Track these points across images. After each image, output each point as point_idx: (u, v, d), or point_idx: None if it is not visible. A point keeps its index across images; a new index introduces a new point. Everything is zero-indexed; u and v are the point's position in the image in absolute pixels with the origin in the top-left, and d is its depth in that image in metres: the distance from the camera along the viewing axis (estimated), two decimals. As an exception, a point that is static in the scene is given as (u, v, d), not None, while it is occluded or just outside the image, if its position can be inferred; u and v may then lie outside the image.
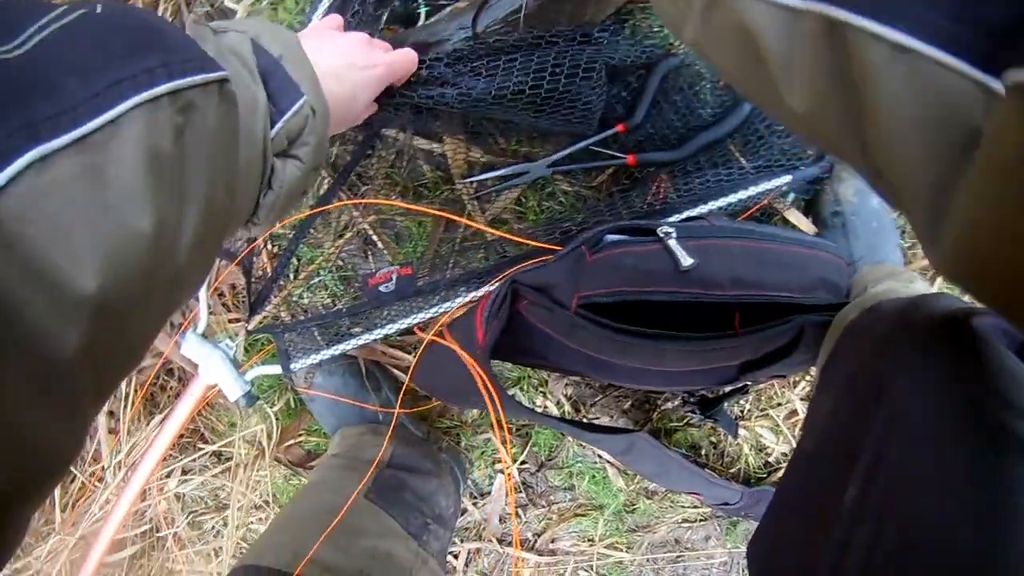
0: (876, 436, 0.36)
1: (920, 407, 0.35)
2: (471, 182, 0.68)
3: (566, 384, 0.81)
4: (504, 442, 0.80)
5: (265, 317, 0.74)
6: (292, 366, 0.66)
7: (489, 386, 0.56)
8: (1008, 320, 0.23)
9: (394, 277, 0.64)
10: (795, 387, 0.78)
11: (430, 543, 0.69)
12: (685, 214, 0.58)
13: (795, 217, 0.71)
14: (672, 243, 0.50)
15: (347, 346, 0.66)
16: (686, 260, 0.49)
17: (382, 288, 0.64)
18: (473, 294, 0.62)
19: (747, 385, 0.63)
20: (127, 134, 0.23)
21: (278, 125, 0.34)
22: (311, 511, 0.64)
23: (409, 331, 0.66)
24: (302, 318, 0.72)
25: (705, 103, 0.61)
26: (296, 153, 0.37)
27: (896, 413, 0.36)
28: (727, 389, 0.65)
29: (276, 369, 0.67)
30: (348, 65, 0.43)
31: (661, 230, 0.51)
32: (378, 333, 0.66)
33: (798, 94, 0.25)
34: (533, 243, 0.60)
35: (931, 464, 0.33)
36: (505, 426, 0.81)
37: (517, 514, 0.87)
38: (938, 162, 0.22)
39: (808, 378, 0.78)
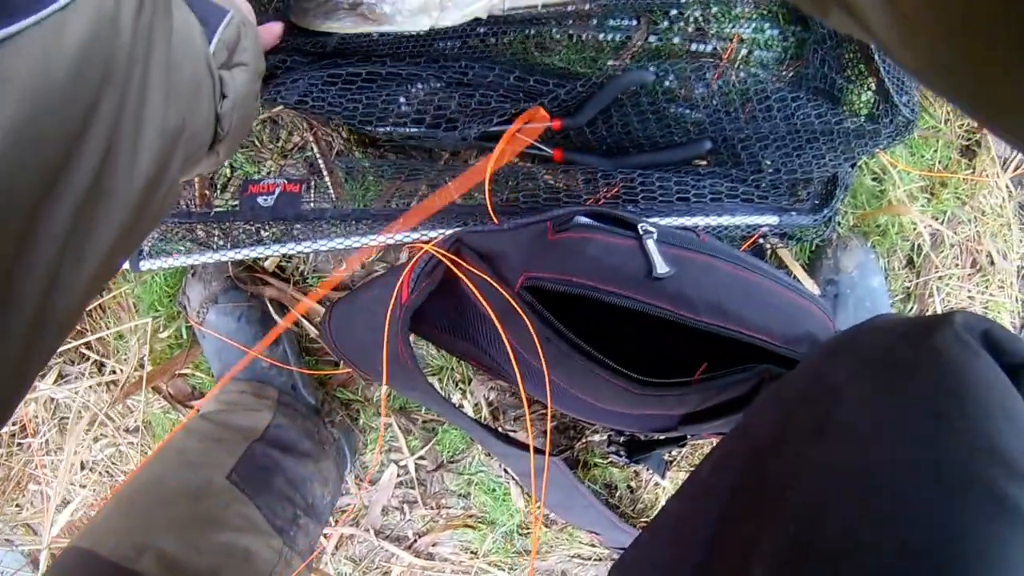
0: (808, 478, 0.28)
1: (887, 454, 0.27)
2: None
3: (490, 388, 0.72)
4: (386, 416, 0.71)
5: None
6: (141, 264, 0.57)
7: (402, 354, 0.46)
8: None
9: (277, 192, 0.55)
10: (732, 451, 0.71)
11: (297, 540, 0.59)
12: (663, 220, 0.50)
13: (790, 261, 0.65)
14: (650, 244, 0.42)
15: (204, 258, 0.58)
16: (662, 266, 0.42)
17: (260, 200, 0.55)
18: (377, 238, 0.54)
19: (684, 437, 0.55)
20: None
21: (214, 39, 0.38)
22: (162, 491, 0.54)
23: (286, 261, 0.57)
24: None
25: (663, 126, 0.54)
26: (238, 60, 0.41)
27: (845, 461, 0.27)
28: (661, 437, 0.57)
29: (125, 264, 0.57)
30: None
31: (642, 226, 0.43)
32: (245, 252, 0.57)
33: None
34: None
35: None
36: (384, 403, 0.72)
37: (401, 510, 0.77)
38: None
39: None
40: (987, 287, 0.79)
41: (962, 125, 0.72)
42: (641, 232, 0.43)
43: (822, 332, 0.51)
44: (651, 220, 0.49)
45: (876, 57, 0.55)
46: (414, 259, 0.46)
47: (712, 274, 0.44)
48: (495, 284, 0.43)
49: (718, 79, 0.56)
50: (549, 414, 0.48)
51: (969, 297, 0.79)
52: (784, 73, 0.61)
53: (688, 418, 0.51)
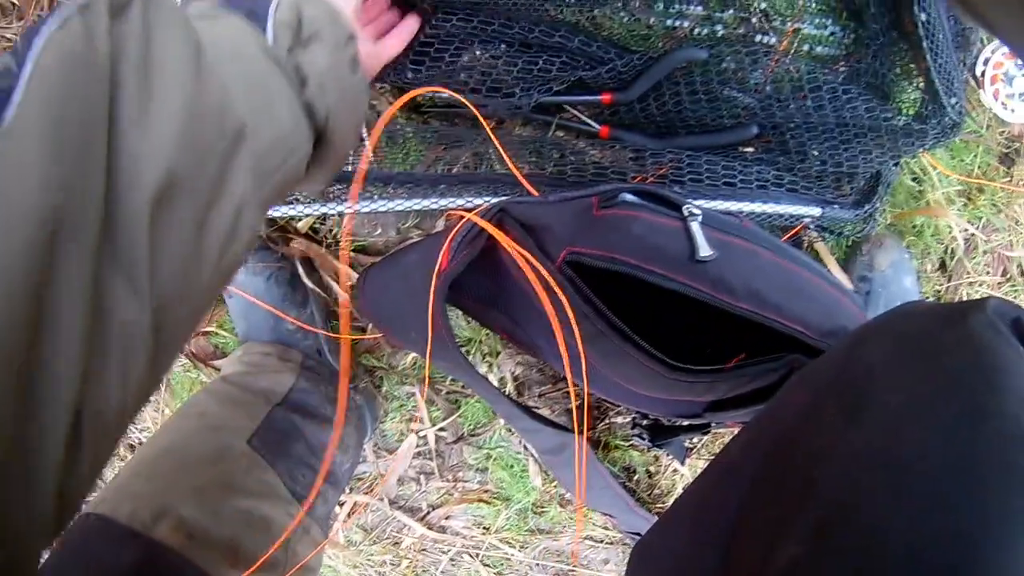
0: (842, 466, 0.28)
1: (925, 438, 0.26)
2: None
3: (517, 362, 0.73)
4: (416, 385, 0.72)
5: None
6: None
7: (437, 323, 0.47)
8: None
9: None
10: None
11: (316, 507, 0.60)
12: (708, 203, 0.50)
13: (826, 254, 0.64)
14: (695, 226, 0.42)
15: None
16: (705, 249, 0.42)
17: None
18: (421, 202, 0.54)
19: (708, 424, 0.56)
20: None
21: (268, 28, 0.34)
22: (182, 456, 0.53)
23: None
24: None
25: (714, 107, 0.54)
26: (309, 34, 0.36)
27: (882, 445, 0.27)
28: (685, 423, 0.58)
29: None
30: None
31: (688, 208, 0.43)
32: (282, 211, 0.58)
33: None
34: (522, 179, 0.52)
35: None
36: (427, 377, 0.73)
37: (417, 480, 0.79)
38: None
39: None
40: (1016, 296, 0.78)
41: (1003, 132, 0.71)
42: (686, 214, 0.43)
43: (855, 326, 0.51)
44: (696, 203, 0.49)
45: (927, 56, 0.54)
46: (456, 226, 0.47)
47: (754, 261, 0.44)
48: (532, 259, 0.44)
49: (774, 68, 0.56)
50: (586, 392, 0.49)
51: None
52: (838, 67, 0.61)
53: (715, 405, 0.51)
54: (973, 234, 0.72)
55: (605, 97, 0.53)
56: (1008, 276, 0.78)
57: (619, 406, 0.69)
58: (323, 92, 0.36)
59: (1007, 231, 0.75)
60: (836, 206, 0.55)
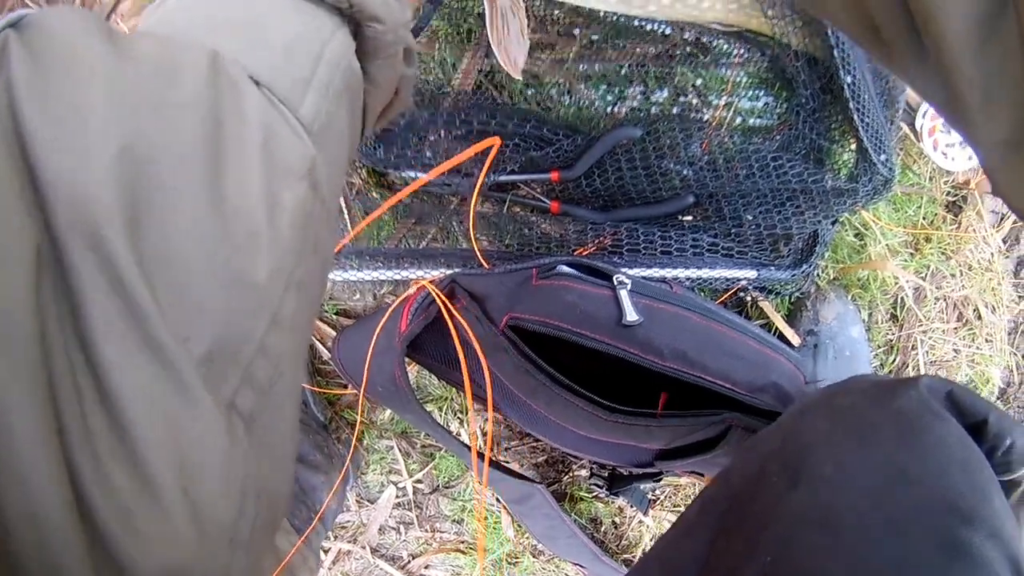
0: (786, 523, 0.32)
1: (851, 500, 0.30)
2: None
3: (485, 420, 0.76)
4: (358, 420, 0.76)
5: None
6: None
7: (398, 379, 0.52)
8: None
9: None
10: (716, 491, 0.74)
11: (312, 539, 0.65)
12: (645, 271, 0.55)
13: (771, 311, 0.68)
14: (623, 293, 0.47)
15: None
16: (632, 315, 0.46)
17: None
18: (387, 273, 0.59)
19: (660, 472, 0.59)
20: None
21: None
22: None
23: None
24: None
25: (652, 181, 0.59)
26: None
27: (819, 502, 0.31)
28: (639, 472, 0.61)
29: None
30: None
31: (617, 278, 0.48)
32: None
33: None
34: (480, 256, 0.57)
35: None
36: (361, 412, 0.76)
37: (398, 530, 0.81)
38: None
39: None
40: (973, 340, 0.80)
41: (947, 181, 0.76)
42: (616, 283, 0.48)
43: (788, 383, 0.54)
44: (632, 271, 0.54)
45: (856, 118, 0.59)
46: (413, 295, 0.52)
47: (680, 324, 0.48)
48: (464, 323, 0.48)
49: (709, 141, 0.61)
50: (491, 414, 0.52)
51: (955, 350, 0.80)
52: (772, 136, 0.66)
53: (663, 454, 0.54)
54: (920, 284, 0.75)
55: (554, 175, 0.59)
56: (964, 320, 0.80)
57: (581, 459, 0.72)
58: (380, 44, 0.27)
59: (959, 276, 0.78)
60: (772, 268, 0.59)
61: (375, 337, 0.52)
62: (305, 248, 0.22)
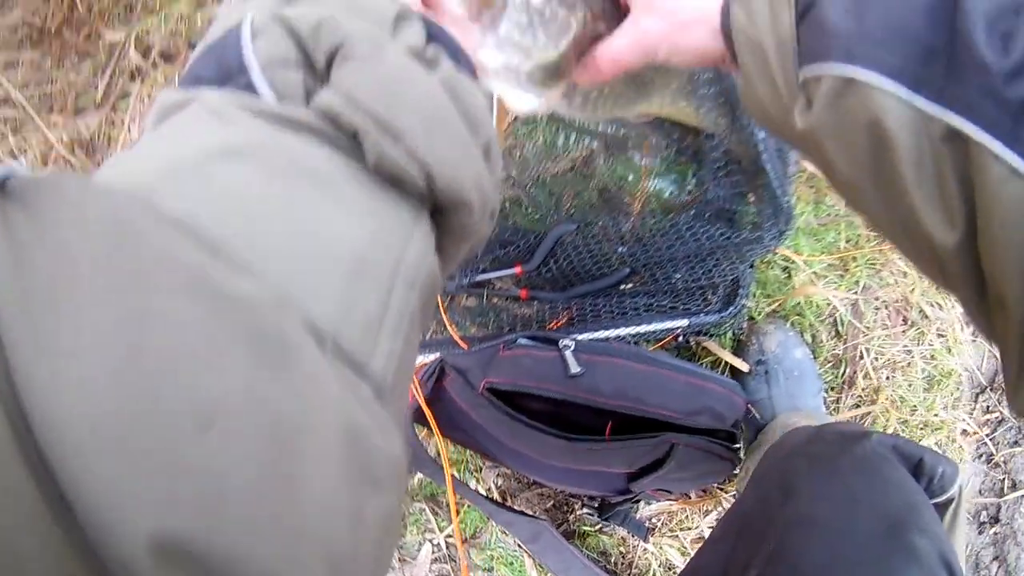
0: (781, 527, 0.46)
1: (823, 511, 0.45)
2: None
3: (497, 474, 0.89)
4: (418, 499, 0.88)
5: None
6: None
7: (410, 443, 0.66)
8: None
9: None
10: (705, 515, 0.83)
11: None
12: (591, 335, 0.70)
13: (717, 348, 0.81)
14: (568, 353, 0.62)
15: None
16: (574, 367, 0.61)
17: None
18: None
19: (637, 494, 0.70)
20: None
21: (255, 78, 0.20)
22: None
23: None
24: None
25: (595, 261, 0.75)
26: (325, 47, 0.21)
27: (801, 512, 0.46)
28: (620, 498, 0.72)
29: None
30: None
31: (562, 342, 0.63)
32: None
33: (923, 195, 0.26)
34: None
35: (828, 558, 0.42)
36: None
37: (437, 588, 0.92)
38: None
39: (720, 508, 0.83)
40: (923, 338, 0.89)
41: None
42: (561, 347, 0.62)
43: (724, 405, 0.67)
44: (585, 336, 0.68)
45: (767, 167, 0.72)
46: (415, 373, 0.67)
47: (617, 370, 0.62)
48: (422, 404, 0.63)
49: (635, 223, 0.77)
50: (437, 434, 0.65)
51: (906, 351, 0.89)
52: (687, 207, 0.82)
53: (631, 478, 0.67)
54: (854, 298, 0.87)
55: (517, 269, 0.75)
56: (910, 322, 0.89)
57: (573, 494, 0.83)
58: (405, 136, 0.20)
59: (895, 285, 0.88)
60: (703, 314, 0.73)
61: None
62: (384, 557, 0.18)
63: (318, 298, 0.17)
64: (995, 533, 0.93)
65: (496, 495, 0.88)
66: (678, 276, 0.75)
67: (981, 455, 0.95)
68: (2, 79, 0.98)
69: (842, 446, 0.50)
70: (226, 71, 0.20)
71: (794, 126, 0.31)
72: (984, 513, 0.94)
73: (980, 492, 0.96)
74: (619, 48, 0.37)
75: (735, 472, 0.76)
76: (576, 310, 0.73)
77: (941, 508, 0.49)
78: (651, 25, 0.36)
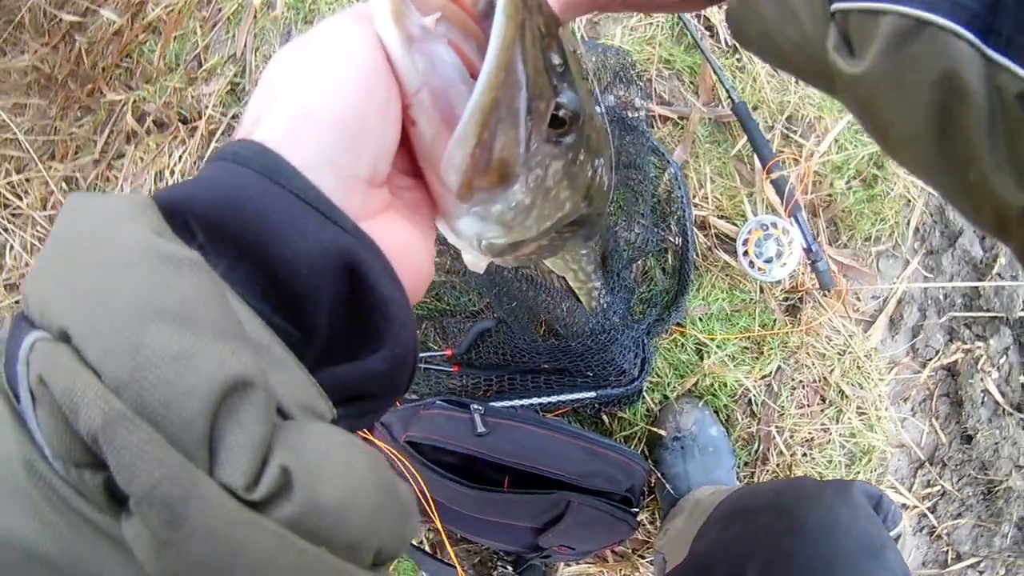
0: (769, 540, 0.53)
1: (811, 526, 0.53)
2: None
3: (428, 530, 0.96)
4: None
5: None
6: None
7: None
8: None
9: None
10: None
11: None
12: (505, 402, 0.80)
13: (632, 419, 0.89)
14: (476, 416, 0.72)
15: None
16: (480, 427, 0.71)
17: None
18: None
19: (546, 549, 0.77)
20: None
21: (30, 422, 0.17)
22: None
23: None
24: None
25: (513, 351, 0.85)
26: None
27: (793, 528, 0.54)
28: (532, 554, 0.79)
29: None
30: None
31: (473, 406, 0.73)
32: None
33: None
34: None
35: None
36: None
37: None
38: None
39: (637, 574, 0.88)
40: (840, 416, 0.93)
41: (780, 290, 0.90)
42: (472, 410, 0.73)
43: (617, 470, 0.75)
44: (503, 403, 0.78)
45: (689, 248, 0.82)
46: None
47: (518, 432, 0.72)
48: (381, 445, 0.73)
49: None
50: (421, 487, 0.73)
51: (823, 429, 0.94)
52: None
53: (538, 532, 0.74)
54: (768, 380, 0.93)
55: (449, 352, 0.86)
56: (828, 401, 0.95)
57: (489, 546, 0.89)
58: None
59: (812, 367, 0.94)
60: (608, 388, 0.82)
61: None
62: None
63: None
64: (940, 605, 0.94)
65: (427, 549, 0.94)
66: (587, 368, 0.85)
67: (923, 528, 0.98)
68: (10, 122, 1.06)
69: (828, 503, 0.57)
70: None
71: (821, 67, 0.27)
72: (929, 586, 0.95)
73: (924, 564, 0.97)
74: None
75: (636, 535, 0.82)
76: (503, 381, 0.83)
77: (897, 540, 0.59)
78: None
